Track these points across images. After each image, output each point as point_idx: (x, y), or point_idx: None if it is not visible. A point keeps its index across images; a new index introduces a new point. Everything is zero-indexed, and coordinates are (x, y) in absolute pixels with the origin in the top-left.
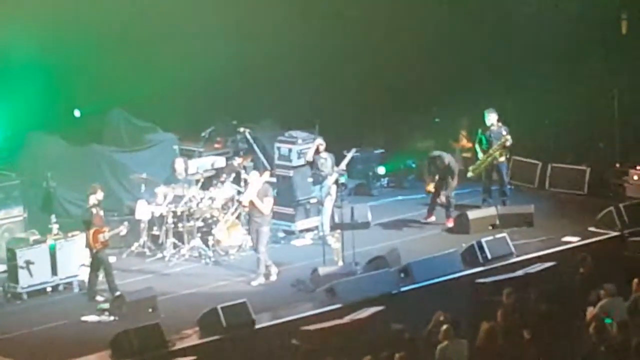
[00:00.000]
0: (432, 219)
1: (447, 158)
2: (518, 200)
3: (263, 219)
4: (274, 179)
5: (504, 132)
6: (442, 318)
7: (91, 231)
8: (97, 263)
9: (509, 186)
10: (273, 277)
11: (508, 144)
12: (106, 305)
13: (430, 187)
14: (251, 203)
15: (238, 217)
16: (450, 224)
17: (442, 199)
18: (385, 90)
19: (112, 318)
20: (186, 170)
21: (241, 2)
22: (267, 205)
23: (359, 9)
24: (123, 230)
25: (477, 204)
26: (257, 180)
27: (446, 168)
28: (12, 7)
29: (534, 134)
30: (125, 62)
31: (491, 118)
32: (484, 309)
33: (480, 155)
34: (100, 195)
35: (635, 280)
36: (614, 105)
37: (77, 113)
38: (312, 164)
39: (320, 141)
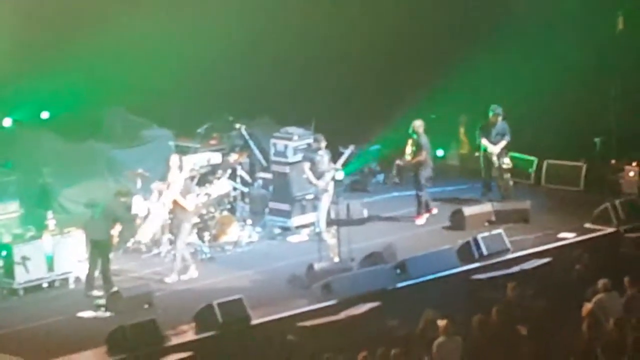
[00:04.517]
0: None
1: (422, 138)
2: (514, 196)
3: (185, 215)
4: (194, 174)
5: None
6: (430, 316)
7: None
8: (97, 256)
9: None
10: (193, 274)
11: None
12: (102, 301)
13: (407, 156)
14: (175, 202)
15: (232, 212)
16: (420, 220)
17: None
18: (381, 87)
19: (108, 314)
20: (180, 167)
21: None
22: (190, 202)
23: (356, 6)
24: None
25: (475, 198)
26: (177, 178)
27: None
28: None
29: (529, 130)
30: (122, 58)
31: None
32: (480, 305)
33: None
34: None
35: (627, 278)
36: (610, 102)
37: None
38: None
39: (323, 142)
